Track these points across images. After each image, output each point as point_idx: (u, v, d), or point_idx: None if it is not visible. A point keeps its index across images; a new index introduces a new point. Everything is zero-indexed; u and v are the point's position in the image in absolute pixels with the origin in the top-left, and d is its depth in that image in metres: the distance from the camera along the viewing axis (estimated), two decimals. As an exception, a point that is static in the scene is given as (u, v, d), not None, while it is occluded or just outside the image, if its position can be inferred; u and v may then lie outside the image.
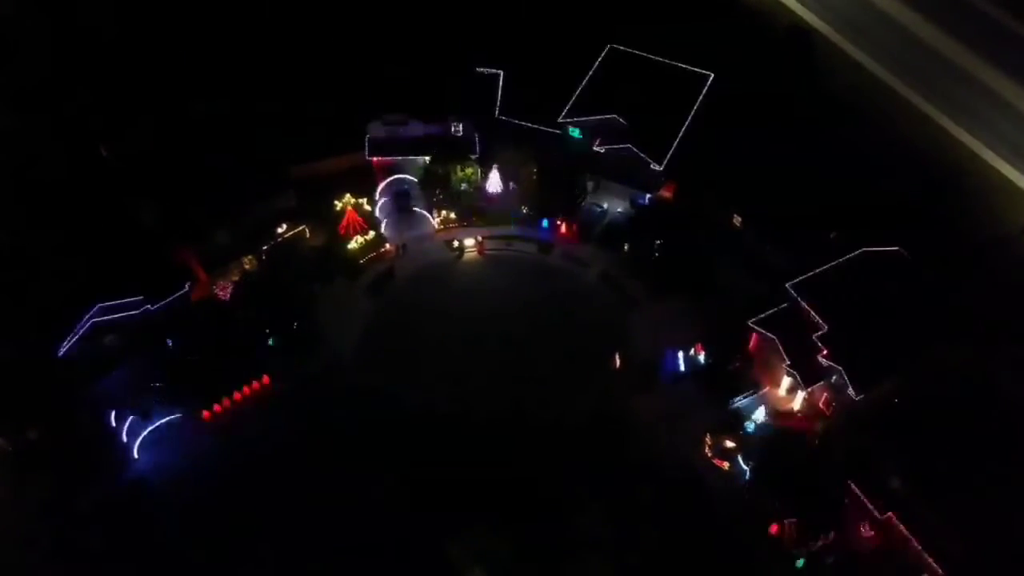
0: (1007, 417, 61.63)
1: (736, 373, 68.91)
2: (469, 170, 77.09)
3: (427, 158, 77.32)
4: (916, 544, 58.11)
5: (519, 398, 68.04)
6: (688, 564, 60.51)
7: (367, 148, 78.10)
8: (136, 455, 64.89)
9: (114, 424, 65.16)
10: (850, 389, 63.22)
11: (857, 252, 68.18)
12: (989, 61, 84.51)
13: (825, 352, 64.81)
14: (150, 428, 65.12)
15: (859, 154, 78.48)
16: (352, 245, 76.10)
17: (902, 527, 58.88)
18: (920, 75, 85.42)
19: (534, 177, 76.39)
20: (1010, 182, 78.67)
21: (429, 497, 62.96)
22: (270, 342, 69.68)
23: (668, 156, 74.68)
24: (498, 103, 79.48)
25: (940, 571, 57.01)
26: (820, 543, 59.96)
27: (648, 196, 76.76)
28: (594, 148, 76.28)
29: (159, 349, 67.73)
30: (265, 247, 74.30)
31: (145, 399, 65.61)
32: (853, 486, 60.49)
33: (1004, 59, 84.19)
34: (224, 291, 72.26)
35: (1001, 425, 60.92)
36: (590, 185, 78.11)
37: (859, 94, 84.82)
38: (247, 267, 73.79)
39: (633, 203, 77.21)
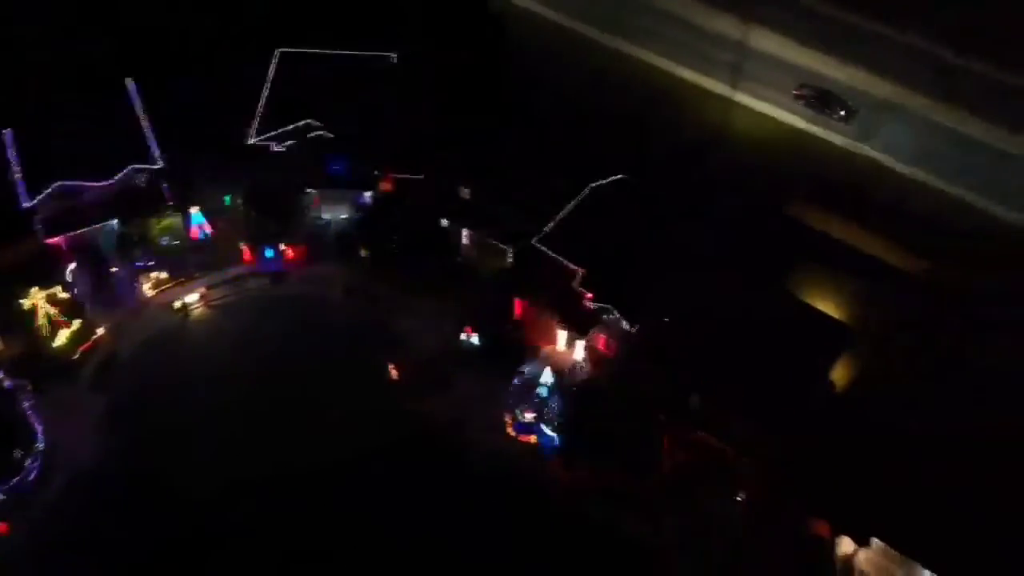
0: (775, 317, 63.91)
1: (513, 343, 66.67)
2: (167, 221, 68.98)
3: (117, 221, 68.58)
4: (731, 451, 59.30)
5: (306, 443, 62.03)
6: (523, 550, 57.90)
7: (42, 230, 67.88)
8: None
9: None
10: (624, 324, 63.28)
11: (586, 191, 68.28)
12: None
13: (589, 296, 64.32)
14: None
15: (563, 101, 78.50)
16: (59, 343, 65.84)
17: (713, 440, 59.78)
18: (599, 13, 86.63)
19: (242, 207, 69.63)
20: (702, 88, 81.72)
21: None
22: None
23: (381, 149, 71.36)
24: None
25: (759, 471, 58.40)
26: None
27: (369, 194, 72.40)
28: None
29: None
30: (-47, 371, 62.56)
31: None
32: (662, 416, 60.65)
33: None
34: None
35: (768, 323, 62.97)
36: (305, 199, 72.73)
37: (544, 43, 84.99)
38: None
39: (356, 206, 72.49)
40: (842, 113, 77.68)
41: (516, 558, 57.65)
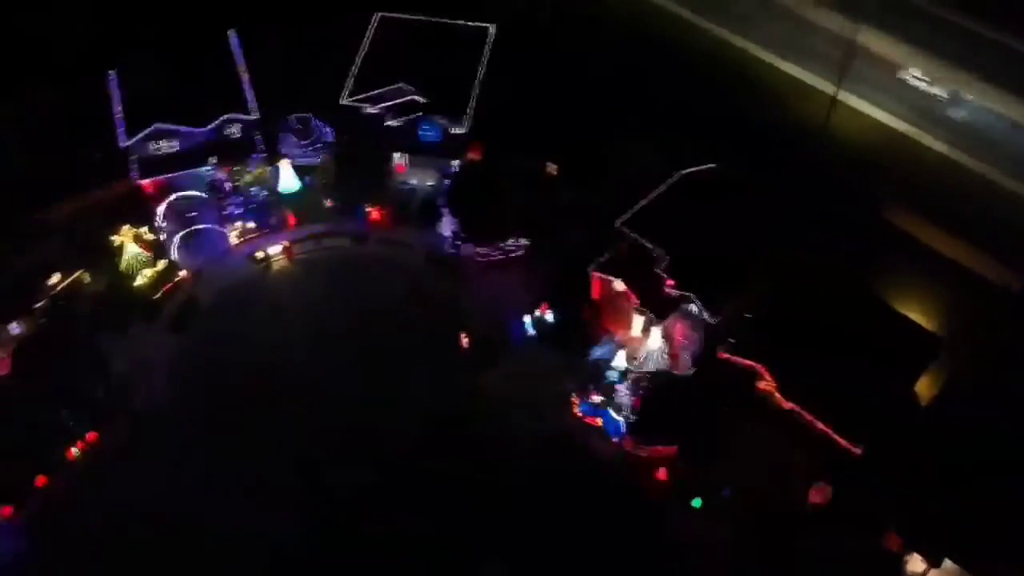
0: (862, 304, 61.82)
1: (587, 324, 65.73)
2: (257, 172, 69.60)
3: (210, 168, 69.52)
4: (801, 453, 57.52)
5: (367, 404, 61.76)
6: (583, 531, 56.66)
7: (136, 170, 69.33)
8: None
9: None
10: (704, 314, 61.75)
11: (676, 176, 66.84)
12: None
13: (671, 283, 62.93)
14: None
15: (645, 76, 77.27)
16: (141, 282, 67.02)
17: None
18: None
19: (332, 165, 70.00)
20: (800, 81, 79.73)
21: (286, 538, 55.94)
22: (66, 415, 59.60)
23: (468, 117, 70.80)
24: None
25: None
26: (711, 476, 57.93)
27: (456, 163, 72.09)
28: (390, 123, 71.36)
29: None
30: (38, 305, 63.99)
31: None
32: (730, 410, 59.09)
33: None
34: (2, 366, 61.70)
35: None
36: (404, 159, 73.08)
37: (644, 24, 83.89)
38: (21, 332, 63.27)
39: (443, 173, 72.28)
40: None
41: (568, 534, 56.69)
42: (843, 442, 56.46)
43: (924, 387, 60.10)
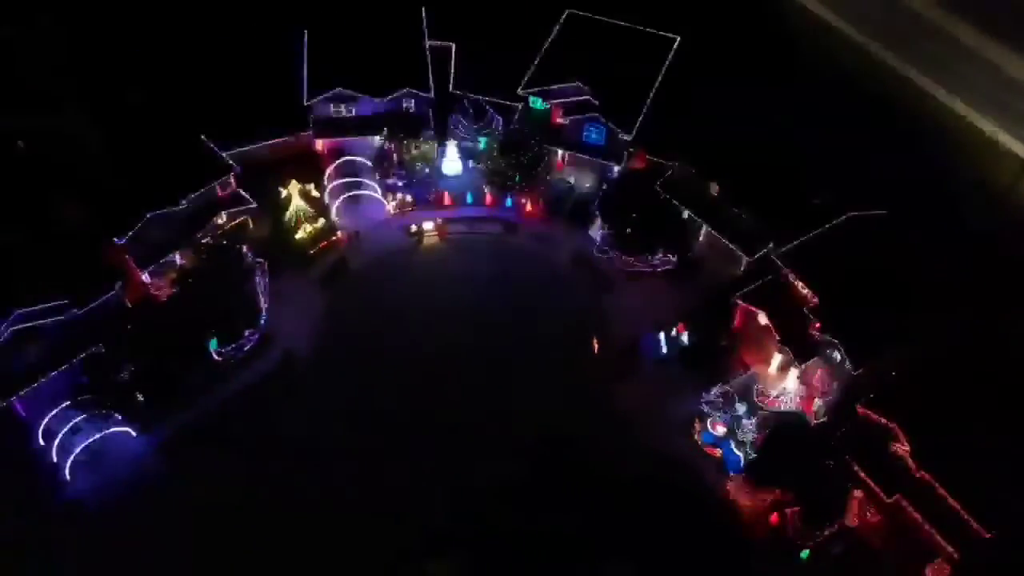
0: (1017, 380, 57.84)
1: (723, 353, 64.27)
2: (424, 148, 71.38)
3: (379, 138, 71.76)
4: (927, 525, 54.39)
5: (492, 392, 62.63)
6: (683, 560, 55.63)
7: (313, 129, 72.28)
8: (68, 476, 57.94)
9: (42, 442, 58.52)
10: (847, 364, 59.22)
11: (843, 217, 64.24)
12: (960, 17, 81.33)
13: (818, 325, 60.64)
14: (84, 444, 58.33)
15: (835, 116, 74.67)
16: (300, 235, 69.94)
17: (911, 509, 55.10)
18: (893, 33, 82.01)
19: (495, 153, 70.92)
20: (989, 138, 75.50)
21: (405, 513, 57.11)
22: (212, 344, 62.98)
23: (637, 124, 70.25)
24: (452, 76, 74.25)
25: (954, 553, 53.25)
26: (826, 532, 55.65)
27: (618, 168, 71.77)
28: (558, 120, 71.55)
29: (89, 357, 60.65)
30: (205, 240, 67.82)
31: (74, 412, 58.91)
32: (857, 468, 56.50)
33: (975, 14, 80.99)
34: (161, 290, 65.75)
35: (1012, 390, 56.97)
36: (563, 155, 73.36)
37: (827, 53, 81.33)
38: (186, 263, 67.26)
39: (602, 177, 72.09)
40: None
41: (667, 559, 55.78)
42: (973, 523, 53.04)
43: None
